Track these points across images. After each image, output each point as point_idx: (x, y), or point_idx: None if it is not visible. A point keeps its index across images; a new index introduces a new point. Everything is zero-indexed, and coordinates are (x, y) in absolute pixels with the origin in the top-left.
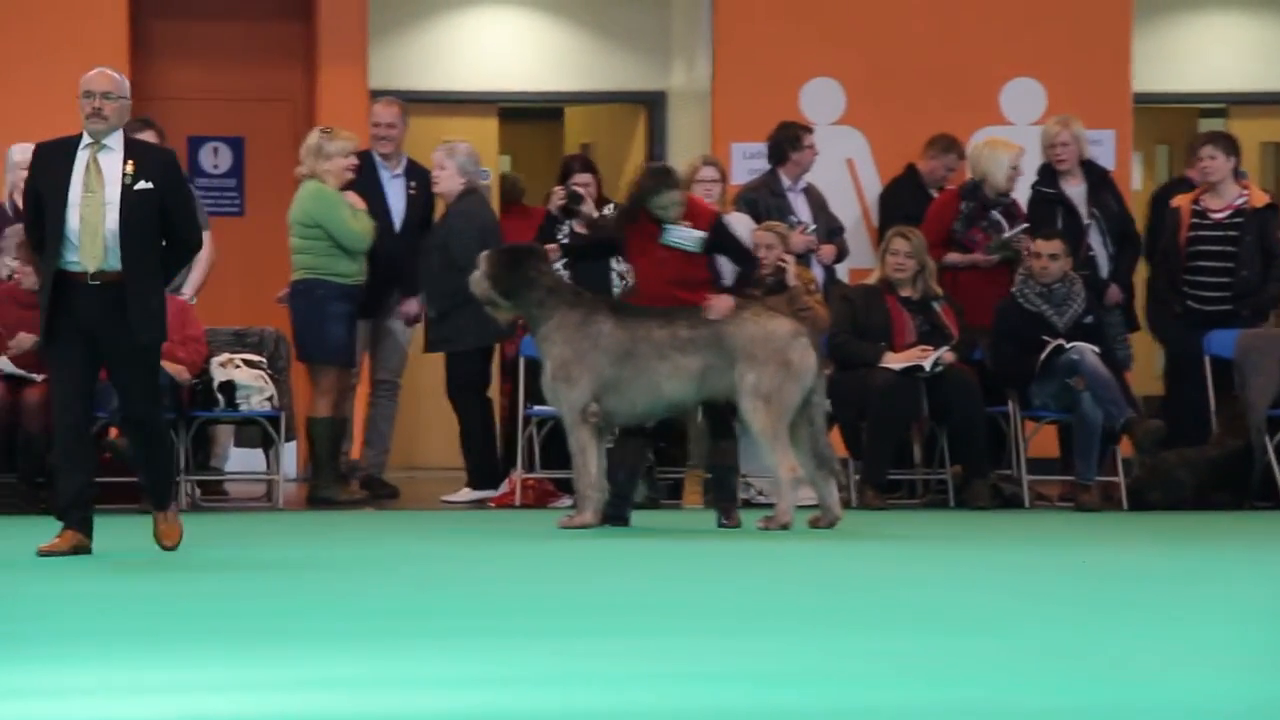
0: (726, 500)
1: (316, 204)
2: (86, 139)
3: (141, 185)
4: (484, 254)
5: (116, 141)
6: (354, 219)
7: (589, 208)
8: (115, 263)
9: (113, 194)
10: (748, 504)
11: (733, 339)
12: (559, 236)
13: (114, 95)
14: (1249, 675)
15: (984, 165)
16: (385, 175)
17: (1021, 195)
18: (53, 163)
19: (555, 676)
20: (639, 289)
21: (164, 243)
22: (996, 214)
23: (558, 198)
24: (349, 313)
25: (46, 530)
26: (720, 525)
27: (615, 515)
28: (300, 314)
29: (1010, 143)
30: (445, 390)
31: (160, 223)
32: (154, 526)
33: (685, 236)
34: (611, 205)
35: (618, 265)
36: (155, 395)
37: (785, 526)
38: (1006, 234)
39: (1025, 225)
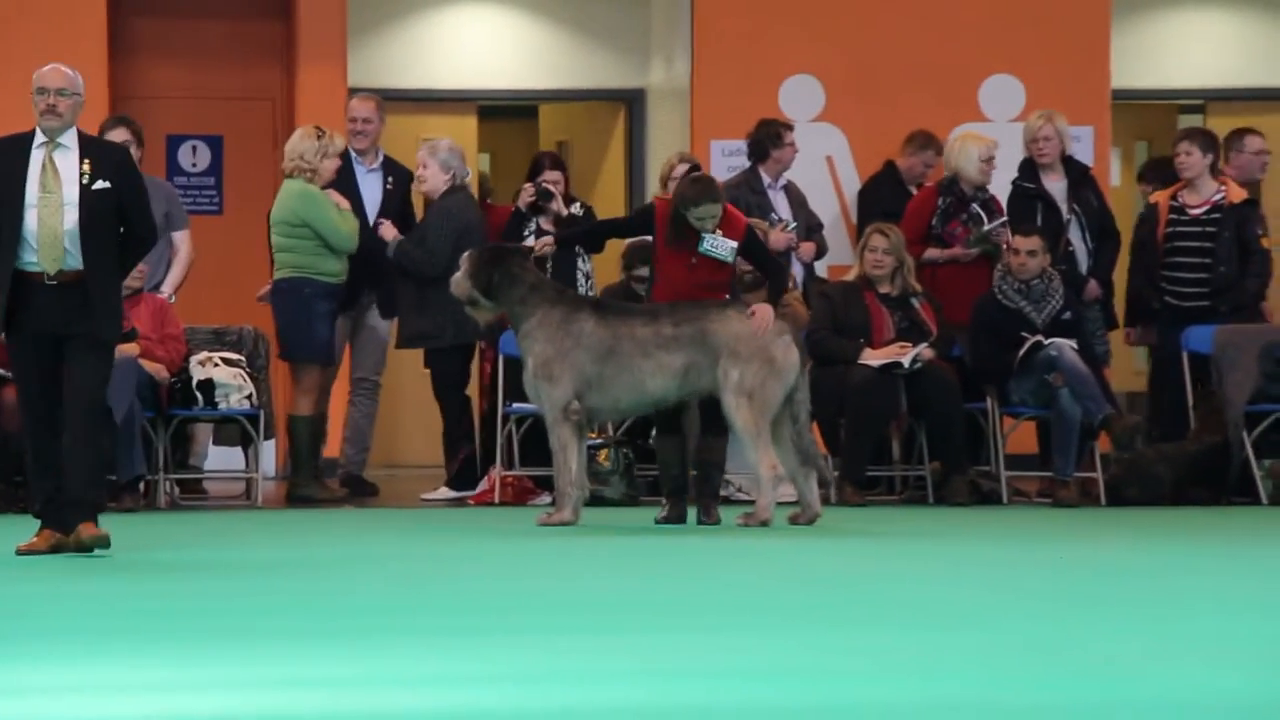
0: (708, 497)
1: (303, 203)
2: (40, 137)
3: (100, 185)
4: (466, 254)
5: (71, 139)
6: (341, 219)
7: (558, 205)
8: (74, 263)
9: (70, 194)
10: (727, 501)
11: (716, 336)
12: (526, 234)
13: (68, 92)
14: (1231, 670)
15: (956, 160)
16: (360, 170)
17: (1000, 189)
18: (5, 161)
19: (536, 674)
20: (661, 290)
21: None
22: (976, 206)
23: (527, 194)
24: (332, 311)
25: (26, 529)
26: (700, 522)
27: (679, 514)
28: (285, 312)
29: (982, 136)
30: (432, 390)
31: (117, 220)
32: (76, 536)
33: (721, 247)
34: (579, 204)
35: (584, 265)
36: (104, 391)
37: (765, 523)
38: (986, 226)
39: (1004, 219)
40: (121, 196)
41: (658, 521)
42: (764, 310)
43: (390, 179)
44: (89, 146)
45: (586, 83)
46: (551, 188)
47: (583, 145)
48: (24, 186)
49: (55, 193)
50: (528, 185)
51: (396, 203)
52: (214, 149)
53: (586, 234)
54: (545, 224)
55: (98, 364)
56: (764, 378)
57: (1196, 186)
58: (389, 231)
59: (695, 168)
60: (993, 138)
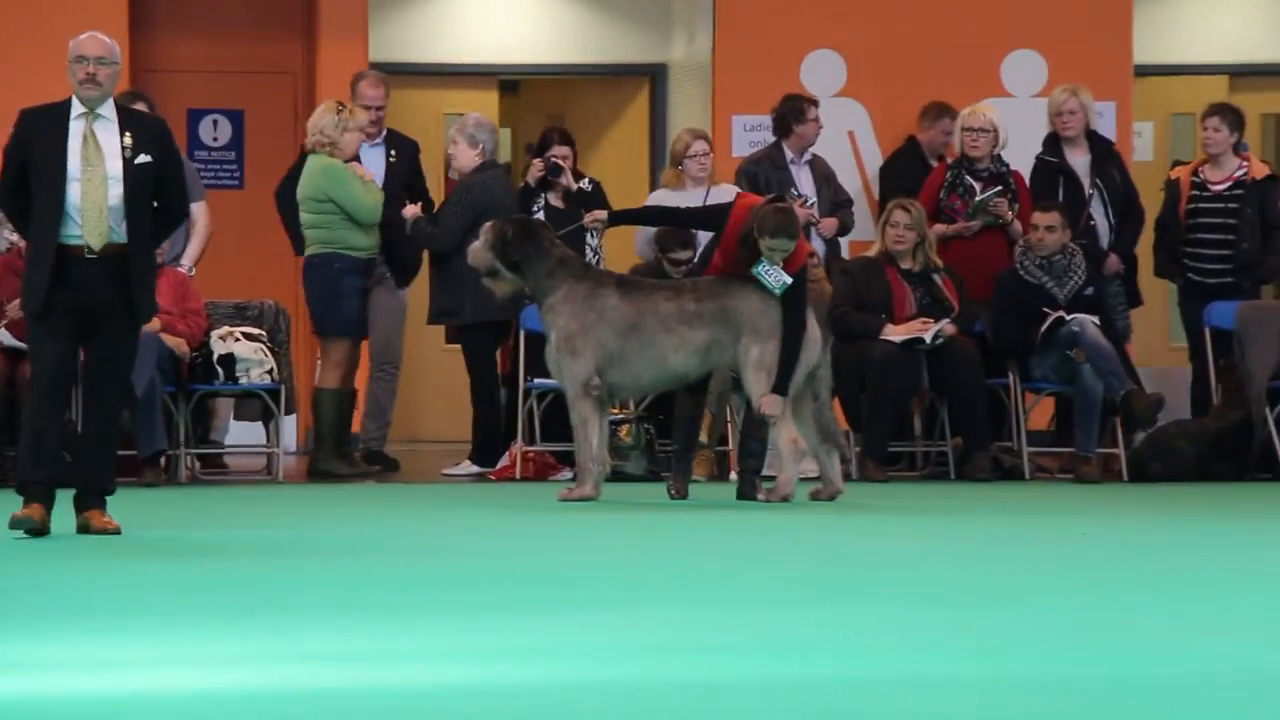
0: (752, 471)
1: (326, 179)
2: (79, 108)
3: (142, 159)
4: (487, 225)
5: (110, 111)
6: (365, 191)
7: (568, 179)
8: (118, 237)
9: (114, 168)
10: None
11: (738, 312)
12: (535, 209)
13: (108, 60)
14: (1257, 644)
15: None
16: (363, 146)
17: (1024, 164)
18: (44, 132)
19: (556, 649)
20: (712, 272)
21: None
22: (968, 178)
23: (536, 170)
24: (361, 286)
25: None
26: (743, 496)
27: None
28: (316, 288)
29: (978, 105)
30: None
31: (153, 194)
32: (85, 522)
33: (773, 278)
34: (587, 179)
35: (592, 240)
36: (130, 369)
37: (787, 498)
38: (979, 196)
39: (999, 189)
40: (160, 170)
41: (672, 496)
42: (771, 402)
43: (393, 152)
44: (128, 119)
45: (608, 57)
46: (561, 162)
47: (598, 120)
48: (65, 159)
49: (98, 166)
50: (536, 161)
51: (402, 175)
52: (235, 123)
53: (646, 215)
54: (554, 199)
55: (130, 344)
56: None
57: (1219, 162)
58: (410, 210)
59: (706, 141)
60: (986, 109)
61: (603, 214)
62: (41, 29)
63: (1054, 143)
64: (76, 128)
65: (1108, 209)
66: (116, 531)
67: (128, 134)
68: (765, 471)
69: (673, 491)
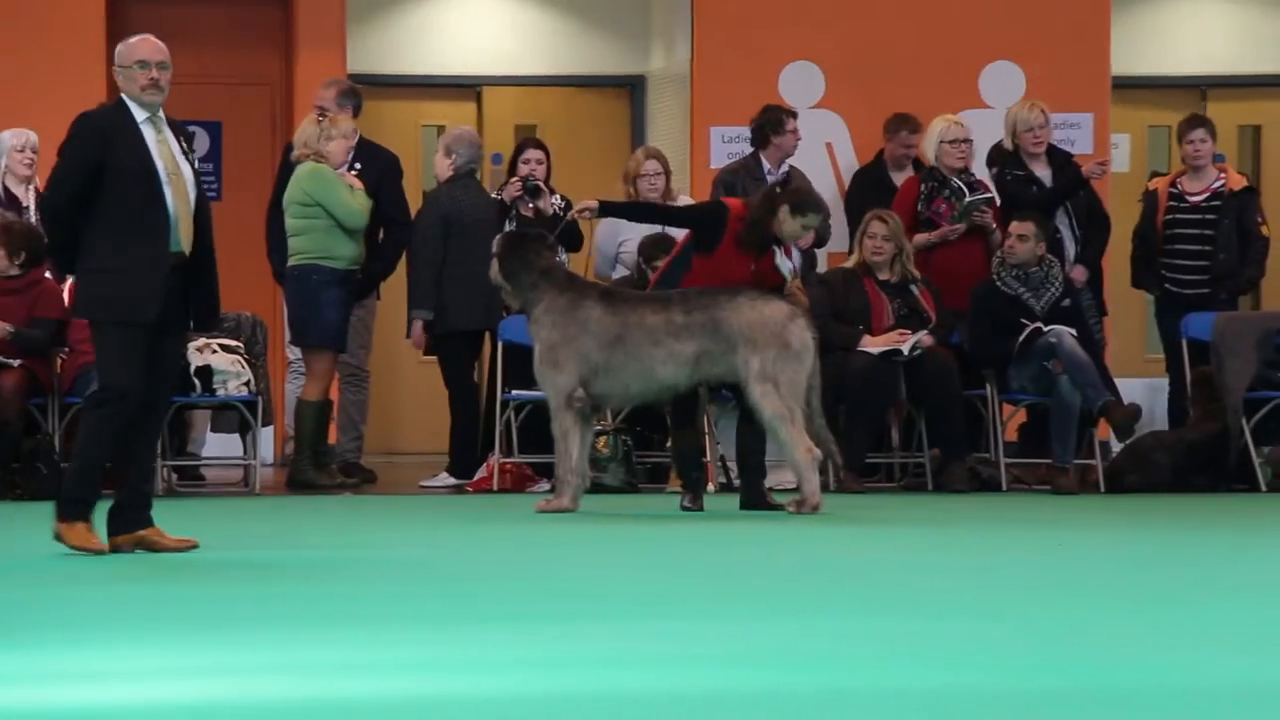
0: (759, 482)
1: (314, 182)
2: (141, 112)
3: (198, 164)
4: (497, 238)
5: (162, 116)
6: (352, 197)
7: (546, 201)
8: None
9: (188, 172)
10: (727, 487)
11: (730, 325)
12: (508, 225)
13: (167, 64)
14: (1232, 655)
15: (924, 145)
16: None
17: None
18: (122, 136)
19: (534, 660)
20: (694, 279)
21: None
22: (956, 180)
23: (513, 189)
24: (343, 297)
25: (20, 515)
26: (755, 506)
27: (699, 502)
28: (296, 298)
29: (949, 116)
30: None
31: None
32: (150, 541)
33: (784, 265)
34: (558, 196)
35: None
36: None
37: (817, 508)
38: (969, 198)
39: (989, 195)
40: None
41: (683, 508)
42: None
43: (358, 164)
44: (173, 125)
45: (587, 69)
46: (541, 185)
47: (578, 131)
48: (153, 164)
49: (177, 172)
50: (514, 180)
51: (372, 184)
52: (213, 135)
53: (636, 209)
54: (524, 210)
55: (179, 361)
56: (784, 362)
57: (1199, 174)
58: None
59: (660, 161)
60: (963, 121)
61: (594, 203)
62: (20, 41)
63: (1014, 158)
64: (149, 133)
65: (1073, 221)
66: (194, 546)
67: (181, 138)
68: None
69: (686, 503)
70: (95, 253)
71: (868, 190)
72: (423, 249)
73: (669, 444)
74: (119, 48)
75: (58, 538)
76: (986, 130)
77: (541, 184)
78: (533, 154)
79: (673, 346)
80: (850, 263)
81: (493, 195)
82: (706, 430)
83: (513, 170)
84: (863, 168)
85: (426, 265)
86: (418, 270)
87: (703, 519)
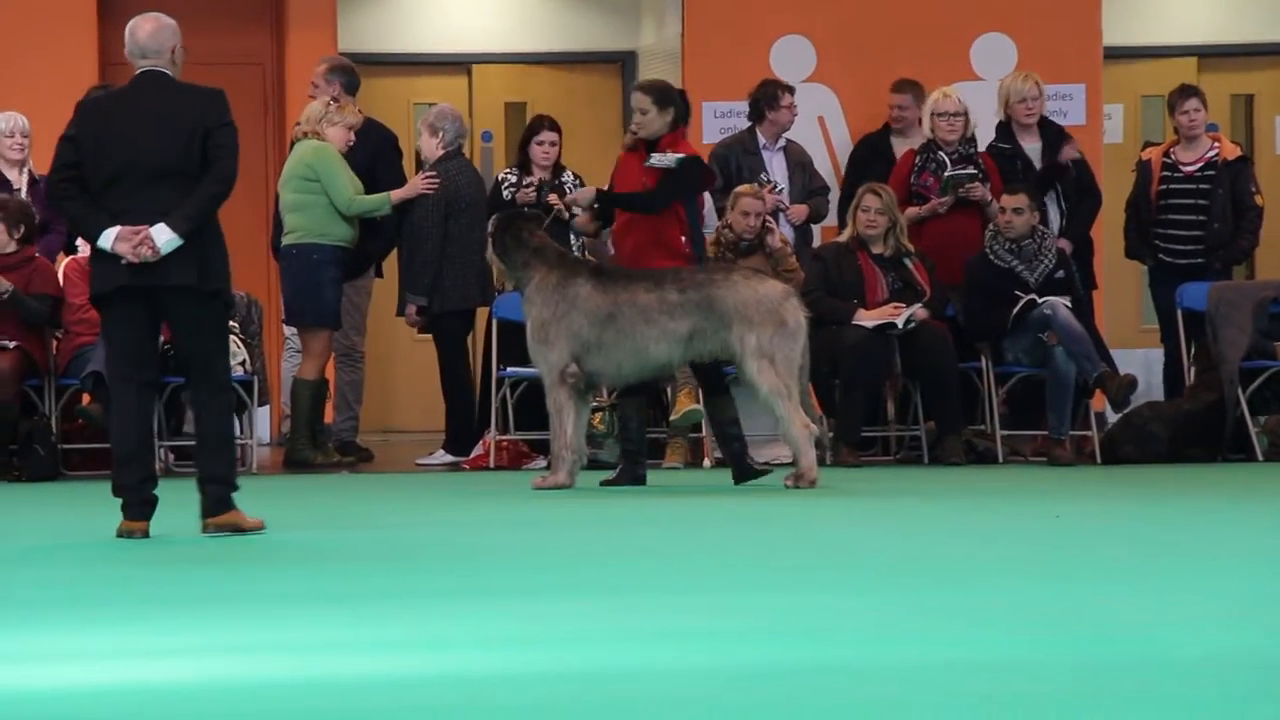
0: (740, 453)
1: (318, 156)
2: None
3: None
4: (493, 217)
5: None
6: (350, 181)
7: (561, 215)
8: None
9: None
10: (723, 462)
11: (724, 303)
12: (505, 195)
13: None
14: (1231, 625)
15: (923, 115)
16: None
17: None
18: None
19: (529, 637)
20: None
21: None
22: (942, 153)
23: (526, 194)
24: (339, 276)
25: (15, 497)
26: (744, 479)
27: (634, 476)
28: (293, 277)
29: (946, 90)
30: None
31: None
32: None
33: (661, 160)
34: (569, 173)
35: (576, 241)
36: None
37: (814, 483)
38: (950, 171)
39: (972, 171)
40: None
41: (603, 484)
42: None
43: (352, 135)
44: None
45: (577, 45)
46: (563, 210)
47: (569, 108)
48: None
49: None
50: (527, 190)
51: (362, 160)
52: None
53: (632, 200)
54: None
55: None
56: (781, 339)
57: (1193, 144)
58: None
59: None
60: (958, 94)
61: (590, 191)
62: (10, 23)
63: (1005, 130)
64: None
65: (1059, 195)
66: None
67: None
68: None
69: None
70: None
71: (871, 158)
72: (424, 231)
73: (667, 420)
74: (175, 25)
75: (237, 528)
76: (978, 102)
77: (562, 210)
78: (547, 135)
79: (666, 324)
80: (844, 236)
81: (499, 178)
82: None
83: (524, 149)
84: (867, 135)
85: (428, 247)
86: (418, 253)
87: (697, 494)
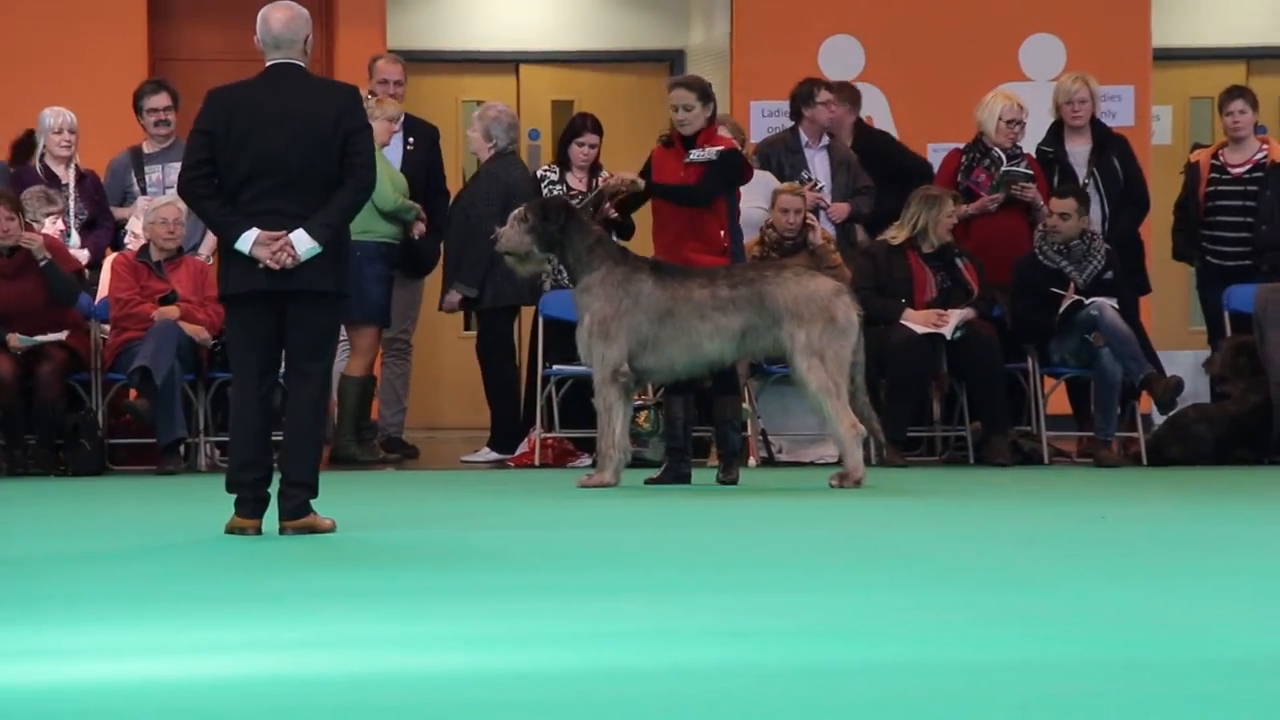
0: (728, 455)
1: None
2: None
3: None
4: (521, 207)
5: None
6: (391, 176)
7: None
8: None
9: None
10: (768, 462)
11: (775, 299)
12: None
13: None
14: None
15: (980, 115)
16: None
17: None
18: None
19: (576, 635)
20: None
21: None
22: (996, 150)
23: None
24: (386, 272)
25: (63, 491)
26: (719, 481)
27: (679, 474)
28: None
29: (1013, 96)
30: (476, 349)
31: None
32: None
33: (700, 155)
34: (605, 173)
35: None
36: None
37: (859, 483)
38: (1005, 166)
39: (1027, 169)
40: None
41: (648, 482)
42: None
43: (411, 139)
44: None
45: (626, 43)
46: (613, 213)
47: (617, 106)
48: None
49: None
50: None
51: (421, 161)
52: None
53: (679, 193)
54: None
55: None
56: (831, 337)
57: (1241, 145)
58: (418, 229)
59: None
60: (1023, 101)
61: (631, 175)
62: (61, 21)
63: (1054, 133)
64: None
65: (1103, 198)
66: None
67: None
68: (785, 459)
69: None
70: None
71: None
72: (480, 225)
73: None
74: (308, 14)
75: (313, 530)
76: (1028, 103)
77: (613, 213)
78: (589, 138)
79: (719, 320)
80: (898, 237)
81: (538, 174)
82: (745, 402)
83: (564, 147)
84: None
85: (482, 242)
86: (470, 245)
87: (739, 494)
